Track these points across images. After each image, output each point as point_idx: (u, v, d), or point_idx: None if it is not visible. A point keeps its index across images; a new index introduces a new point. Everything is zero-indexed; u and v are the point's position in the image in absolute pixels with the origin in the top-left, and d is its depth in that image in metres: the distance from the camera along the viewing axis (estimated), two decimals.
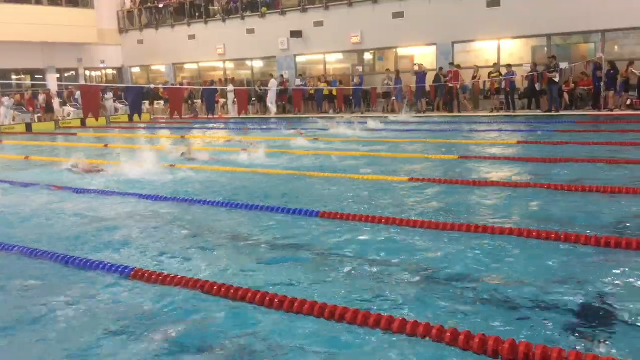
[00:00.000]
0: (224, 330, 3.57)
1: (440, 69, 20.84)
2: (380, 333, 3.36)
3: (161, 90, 27.17)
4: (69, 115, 24.77)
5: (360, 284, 4.25)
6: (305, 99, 23.88)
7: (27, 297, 4.25)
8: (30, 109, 23.79)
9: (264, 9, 25.58)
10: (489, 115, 19.16)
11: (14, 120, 22.85)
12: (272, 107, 24.15)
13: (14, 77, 26.54)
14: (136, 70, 31.21)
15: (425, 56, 22.54)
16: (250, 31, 25.94)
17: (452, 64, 20.66)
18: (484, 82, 20.56)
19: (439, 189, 7.55)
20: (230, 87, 24.28)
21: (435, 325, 3.28)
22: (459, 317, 3.63)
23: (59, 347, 3.42)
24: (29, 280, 4.63)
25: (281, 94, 24.55)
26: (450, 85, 20.37)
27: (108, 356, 3.29)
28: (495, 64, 20.22)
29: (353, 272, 4.51)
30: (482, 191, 7.27)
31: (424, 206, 6.67)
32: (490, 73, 20.13)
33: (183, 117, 18.70)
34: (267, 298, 3.83)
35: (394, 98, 21.97)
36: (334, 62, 25.67)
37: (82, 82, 27.49)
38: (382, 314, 3.47)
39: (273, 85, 23.77)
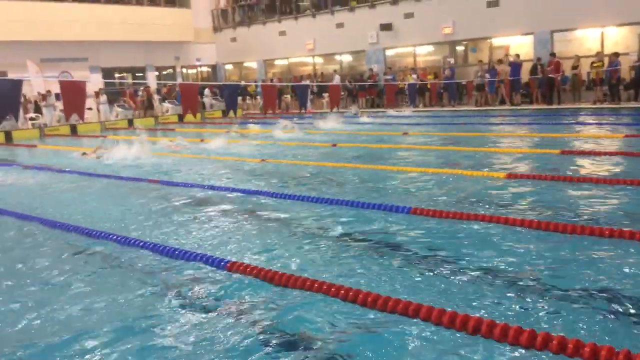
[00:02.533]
0: (317, 328, 3.53)
1: (539, 59, 19.89)
2: (480, 338, 3.19)
3: (252, 86, 27.80)
4: (167, 111, 25.88)
5: (455, 285, 4.08)
6: (396, 93, 23.56)
7: (132, 289, 4.41)
8: (132, 105, 25.05)
9: (353, 3, 25.50)
10: (592, 108, 18.07)
11: (117, 117, 24.18)
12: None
13: (116, 75, 28.07)
14: (229, 67, 32.11)
15: (521, 46, 21.57)
16: (340, 25, 25.95)
17: (553, 54, 19.65)
18: (588, 72, 19.37)
19: (539, 185, 7.15)
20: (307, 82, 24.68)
21: (540, 333, 3.08)
22: (562, 323, 3.39)
23: (163, 340, 3.51)
24: (129, 271, 4.82)
25: (370, 88, 24.43)
26: (550, 76, 19.37)
27: (205, 347, 3.34)
28: (598, 53, 19.03)
29: (447, 272, 4.33)
30: (587, 189, 6.81)
31: (523, 204, 6.34)
32: (592, 63, 18.96)
33: (275, 112, 19.09)
34: (360, 296, 3.75)
35: (487, 89, 21.23)
36: (424, 54, 25.14)
37: (180, 80, 28.64)
38: (484, 319, 3.30)
39: (337, 81, 23.90)
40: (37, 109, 22.51)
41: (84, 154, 12.78)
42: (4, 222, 6.87)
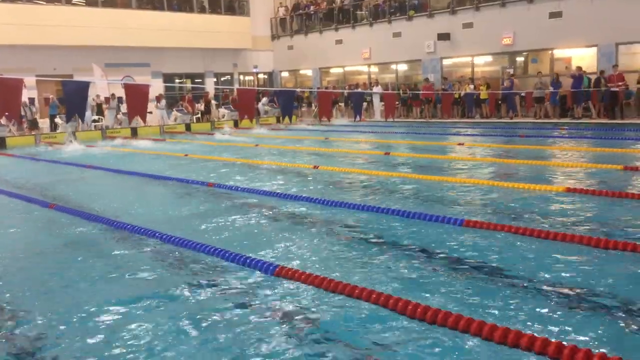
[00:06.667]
0: (357, 332, 3.52)
1: (602, 72, 19.21)
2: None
3: (306, 93, 28.02)
4: (223, 116, 26.39)
5: (508, 301, 3.98)
6: (452, 103, 23.22)
7: (190, 292, 4.52)
8: (190, 110, 25.68)
9: (411, 12, 25.36)
10: None
11: (175, 121, 24.82)
12: (377, 112, 24.78)
13: (177, 80, 28.84)
14: (285, 74, 32.48)
15: (584, 58, 20.91)
16: (397, 34, 25.84)
17: (615, 65, 18.94)
18: None
19: (599, 201, 6.90)
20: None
21: (597, 353, 2.96)
22: (618, 345, 3.25)
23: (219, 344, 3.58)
24: (189, 272, 4.94)
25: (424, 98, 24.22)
26: (613, 89, 18.66)
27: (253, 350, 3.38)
28: None
29: (500, 286, 4.24)
30: None
31: (582, 220, 6.13)
32: None
33: (330, 119, 19.22)
34: (409, 307, 3.71)
35: (547, 102, 20.64)
36: (482, 64, 24.72)
37: (237, 86, 29.16)
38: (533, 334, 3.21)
39: (377, 91, 24.08)
40: (99, 112, 23.35)
41: (71, 141, 18.03)
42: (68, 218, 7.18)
